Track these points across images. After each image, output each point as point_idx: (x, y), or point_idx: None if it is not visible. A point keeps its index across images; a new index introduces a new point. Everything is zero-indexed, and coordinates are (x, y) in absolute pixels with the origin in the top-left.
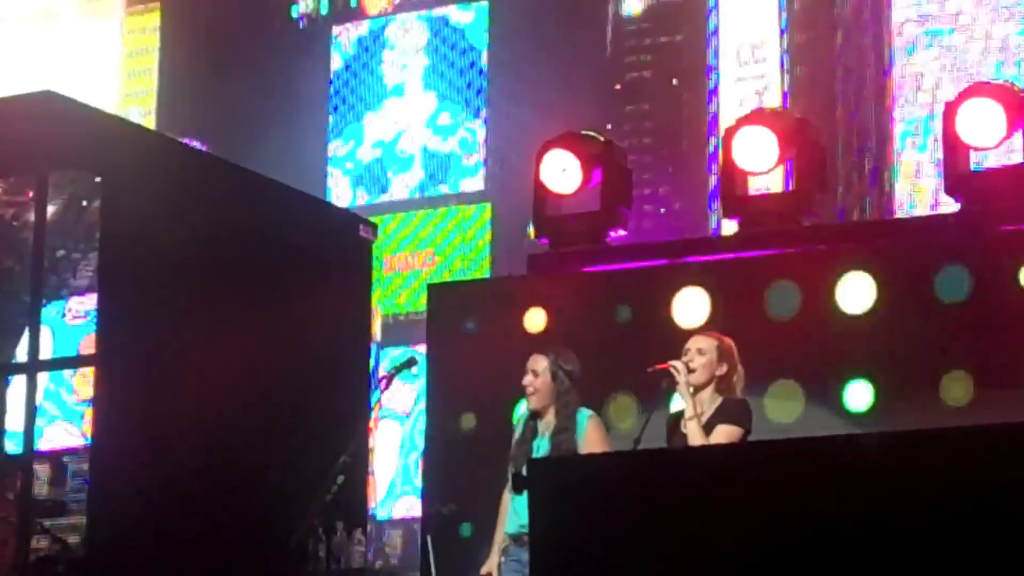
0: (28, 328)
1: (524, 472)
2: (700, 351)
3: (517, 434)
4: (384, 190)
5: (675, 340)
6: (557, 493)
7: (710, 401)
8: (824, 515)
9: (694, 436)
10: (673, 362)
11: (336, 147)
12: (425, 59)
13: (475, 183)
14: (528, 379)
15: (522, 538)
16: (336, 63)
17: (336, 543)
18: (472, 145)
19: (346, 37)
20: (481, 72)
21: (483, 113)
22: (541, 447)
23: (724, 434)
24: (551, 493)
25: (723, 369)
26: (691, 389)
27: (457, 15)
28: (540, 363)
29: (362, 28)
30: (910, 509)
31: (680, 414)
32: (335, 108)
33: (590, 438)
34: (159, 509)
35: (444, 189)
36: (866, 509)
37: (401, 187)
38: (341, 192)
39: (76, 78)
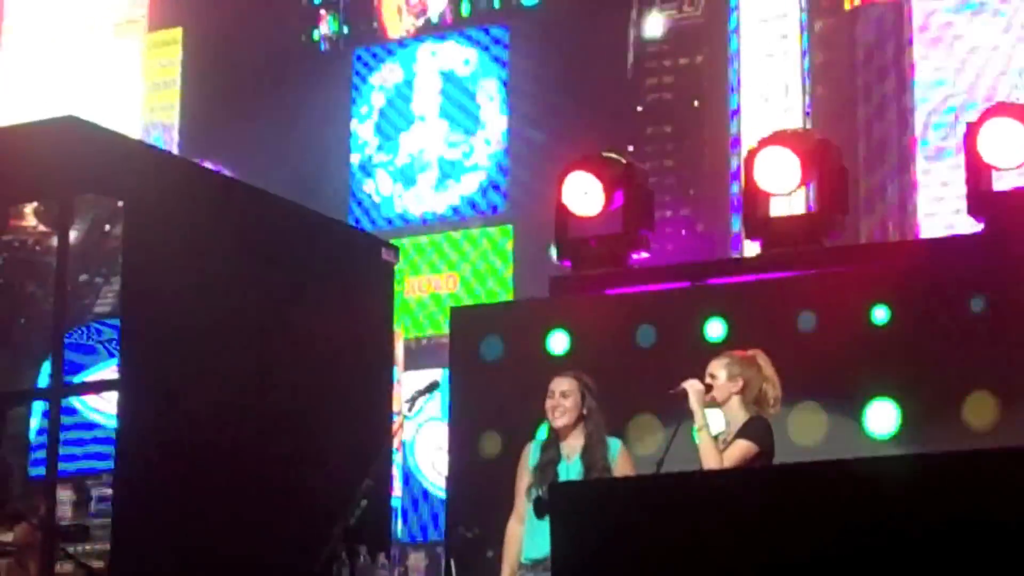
0: (51, 353)
1: (540, 496)
2: (712, 376)
3: (535, 459)
4: (406, 213)
5: (698, 362)
6: (579, 517)
7: (740, 418)
8: (849, 538)
9: (705, 447)
10: (689, 381)
11: (358, 169)
12: (446, 82)
13: (498, 206)
14: (555, 400)
15: (544, 563)
16: (359, 86)
17: (360, 567)
18: (494, 168)
19: (369, 57)
20: (503, 94)
21: (505, 135)
22: (571, 470)
23: (738, 448)
24: (573, 517)
25: (739, 384)
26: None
27: (478, 37)
28: (566, 384)
29: (385, 51)
30: (938, 533)
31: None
32: (357, 129)
33: (621, 467)
34: (183, 534)
35: (466, 212)
36: (891, 533)
37: (423, 210)
38: (363, 214)
39: (100, 96)
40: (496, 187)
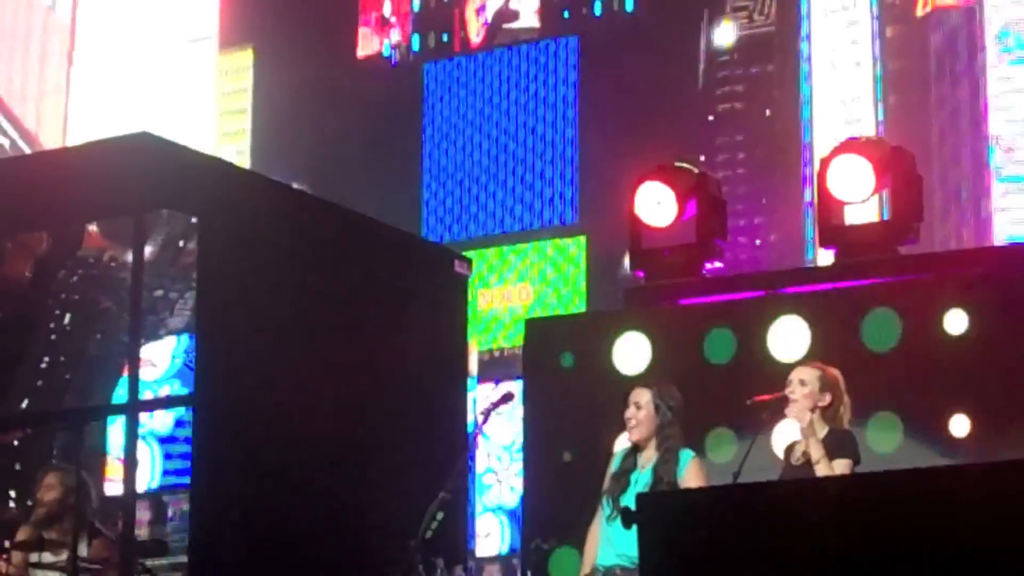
0: (128, 368)
1: (628, 505)
2: (802, 382)
3: (614, 467)
4: (478, 224)
5: (774, 372)
6: (667, 527)
7: (818, 430)
8: (933, 547)
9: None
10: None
11: (431, 182)
12: (517, 93)
13: (570, 216)
14: (630, 411)
15: (614, 571)
16: (430, 98)
17: None
18: (566, 178)
19: (439, 69)
20: (574, 105)
21: (577, 147)
22: (640, 480)
23: (842, 467)
24: (660, 527)
25: (826, 399)
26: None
27: (549, 49)
28: (643, 396)
29: (455, 63)
30: (1016, 542)
31: (792, 446)
32: (429, 141)
33: (690, 477)
34: (259, 547)
35: (539, 223)
36: (976, 542)
37: (496, 221)
38: (436, 226)
39: (172, 118)
40: (569, 198)
